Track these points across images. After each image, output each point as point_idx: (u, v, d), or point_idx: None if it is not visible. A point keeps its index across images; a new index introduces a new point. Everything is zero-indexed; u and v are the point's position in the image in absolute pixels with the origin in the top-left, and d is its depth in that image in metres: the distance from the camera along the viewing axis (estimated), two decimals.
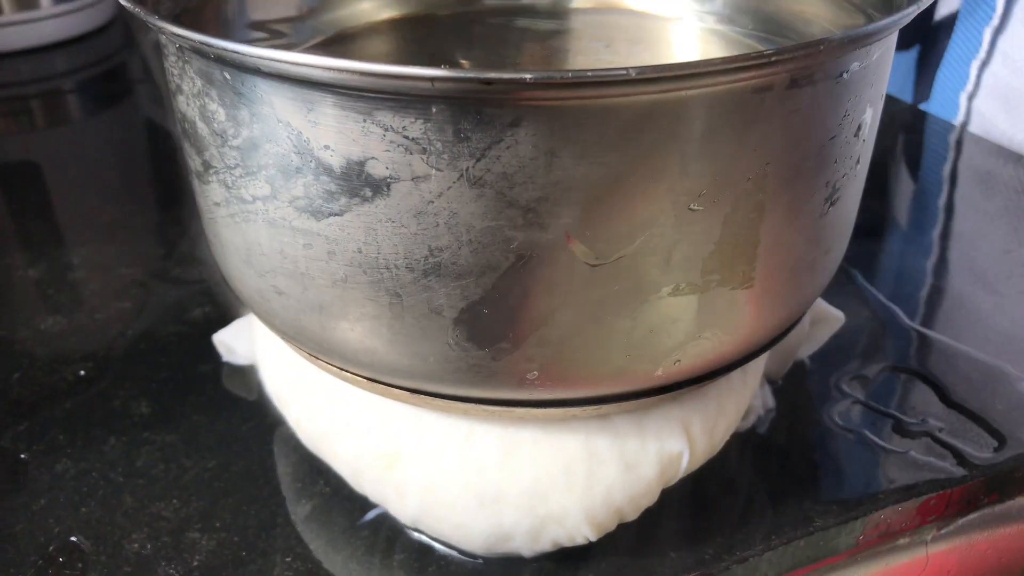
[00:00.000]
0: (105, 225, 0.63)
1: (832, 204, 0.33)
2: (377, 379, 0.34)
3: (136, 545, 0.39)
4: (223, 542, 0.39)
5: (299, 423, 0.40)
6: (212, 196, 0.34)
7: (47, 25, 0.91)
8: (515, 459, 0.35)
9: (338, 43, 0.44)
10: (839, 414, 0.45)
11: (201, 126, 0.32)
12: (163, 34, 0.30)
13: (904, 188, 0.71)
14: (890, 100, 0.80)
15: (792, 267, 0.33)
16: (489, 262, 0.29)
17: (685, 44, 0.46)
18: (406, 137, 0.27)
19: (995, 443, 0.43)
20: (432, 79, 0.25)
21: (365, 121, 0.27)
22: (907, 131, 0.80)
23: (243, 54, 0.27)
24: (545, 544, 0.36)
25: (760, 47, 0.43)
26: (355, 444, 0.38)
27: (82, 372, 0.49)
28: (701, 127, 0.28)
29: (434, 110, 0.26)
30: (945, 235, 0.61)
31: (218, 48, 0.27)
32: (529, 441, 0.35)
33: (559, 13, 0.47)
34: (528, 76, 0.25)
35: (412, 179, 0.28)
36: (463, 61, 0.45)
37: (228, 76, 0.29)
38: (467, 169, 0.27)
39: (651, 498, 0.37)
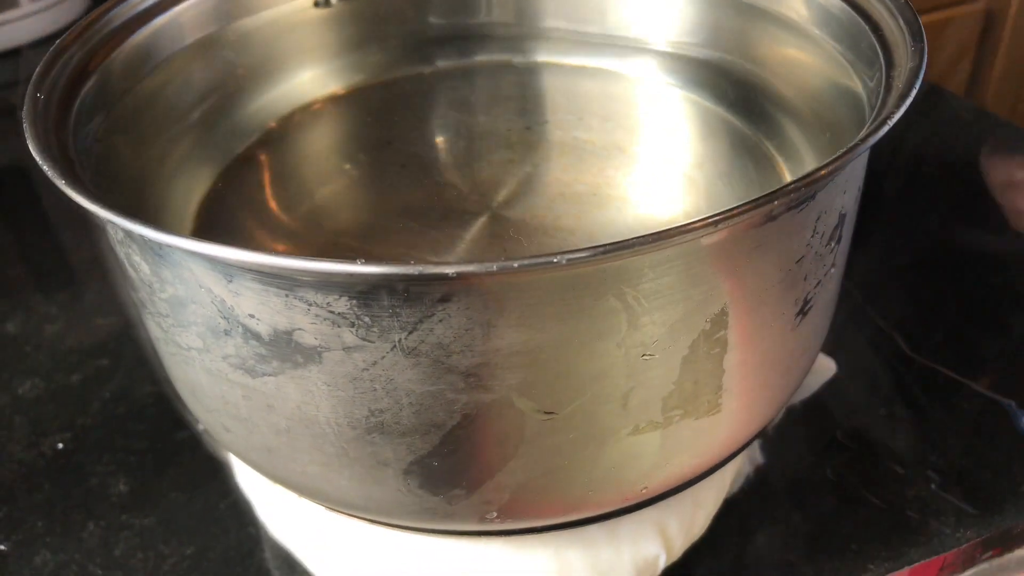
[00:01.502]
0: (82, 264, 0.61)
1: (805, 315, 0.31)
2: (332, 509, 0.33)
3: None
4: None
5: (270, 522, 0.40)
6: (152, 331, 0.32)
7: (23, 25, 0.88)
8: (482, 572, 0.34)
9: (279, 138, 0.41)
10: (830, 469, 0.44)
11: (130, 271, 0.30)
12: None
13: None
14: None
15: (764, 382, 0.31)
16: (433, 421, 0.27)
17: (656, 117, 0.42)
18: (332, 312, 0.25)
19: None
20: (349, 274, 0.23)
21: (288, 296, 0.25)
22: None
23: (134, 233, 0.25)
24: None
25: (733, 119, 0.40)
26: (323, 548, 0.37)
27: (60, 445, 0.48)
28: (647, 286, 0.25)
29: (357, 289, 0.25)
30: None
31: (119, 225, 0.25)
32: (497, 555, 0.34)
33: (525, 71, 0.43)
34: (450, 271, 0.23)
35: (343, 349, 0.26)
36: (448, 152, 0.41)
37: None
38: (400, 340, 0.26)
39: None
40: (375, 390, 0.27)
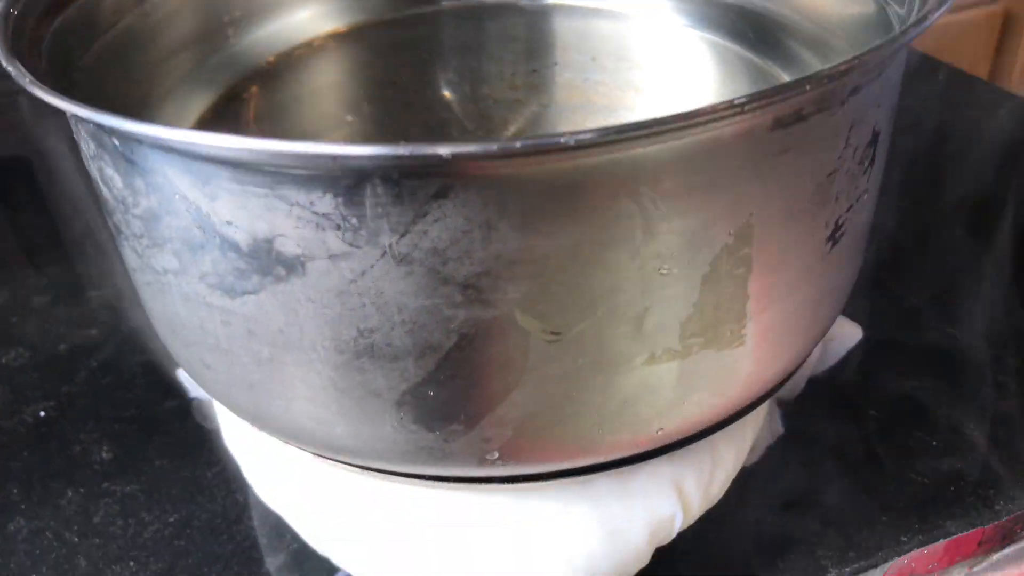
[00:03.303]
0: (76, 240, 0.59)
1: (836, 243, 0.28)
2: (322, 455, 0.30)
3: None
4: None
5: (256, 482, 0.37)
6: (128, 260, 0.30)
7: None
8: (484, 529, 0.32)
9: (275, 75, 0.39)
10: (856, 441, 0.41)
11: (104, 189, 0.28)
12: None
13: None
14: None
15: (791, 316, 0.29)
16: (428, 343, 0.25)
17: (674, 58, 0.40)
18: (316, 213, 0.23)
19: None
20: (333, 157, 0.21)
21: (267, 196, 0.23)
22: None
23: (103, 126, 0.23)
24: None
25: (754, 58, 0.38)
26: (309, 507, 0.34)
27: (42, 413, 0.46)
28: (665, 185, 0.23)
29: (343, 184, 0.22)
30: None
31: (86, 118, 0.23)
32: (499, 510, 0.32)
33: (533, 13, 0.41)
34: (445, 152, 0.20)
35: (328, 257, 0.24)
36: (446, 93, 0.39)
37: (117, 143, 0.25)
38: (390, 246, 0.23)
39: (641, 562, 0.33)
40: (364, 306, 0.24)
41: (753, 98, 0.21)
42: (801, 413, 0.42)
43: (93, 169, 0.28)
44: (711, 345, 0.27)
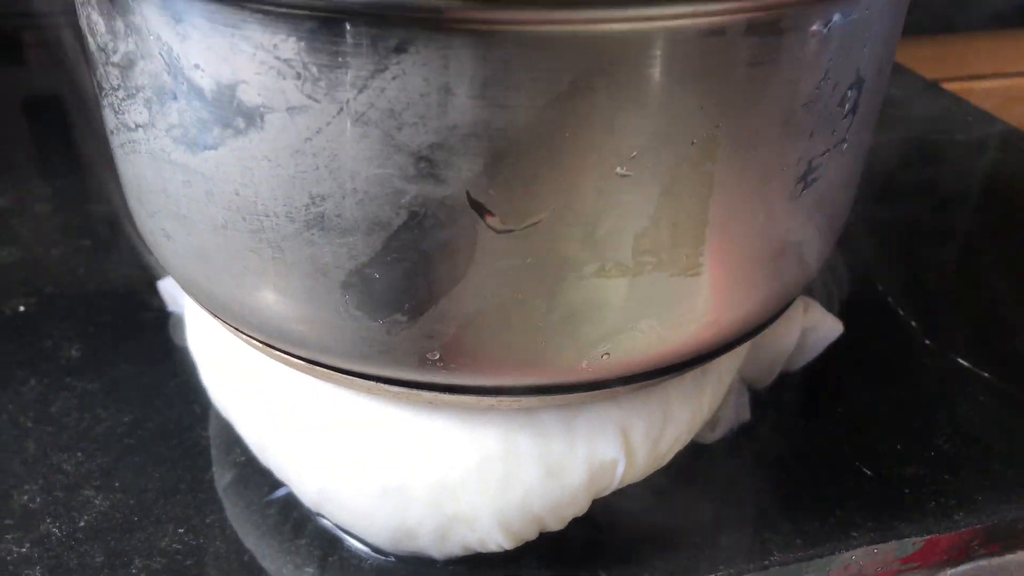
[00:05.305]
0: (88, 155, 0.60)
1: (808, 186, 0.28)
2: (269, 344, 0.30)
3: (26, 497, 0.36)
4: (117, 503, 0.36)
5: (210, 383, 0.37)
6: (107, 123, 0.30)
7: None
8: (424, 448, 0.31)
9: None
10: (821, 436, 0.40)
11: (89, 40, 0.28)
12: None
13: None
14: None
15: (754, 255, 0.28)
16: (377, 217, 0.25)
17: None
18: (277, 58, 0.23)
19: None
20: None
21: (233, 36, 0.23)
22: None
23: None
24: (454, 547, 0.32)
25: None
26: (257, 411, 0.34)
27: (22, 308, 0.46)
28: (632, 72, 0.23)
29: (307, 26, 0.22)
30: None
31: None
32: (441, 429, 0.31)
33: None
34: None
35: (287, 110, 0.24)
36: None
37: None
38: (347, 102, 0.23)
39: (578, 508, 0.32)
40: (317, 168, 0.24)
41: None
42: (771, 402, 0.41)
43: (82, 18, 0.28)
44: (665, 267, 0.26)
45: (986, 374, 0.43)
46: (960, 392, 0.42)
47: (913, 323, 0.47)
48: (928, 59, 0.85)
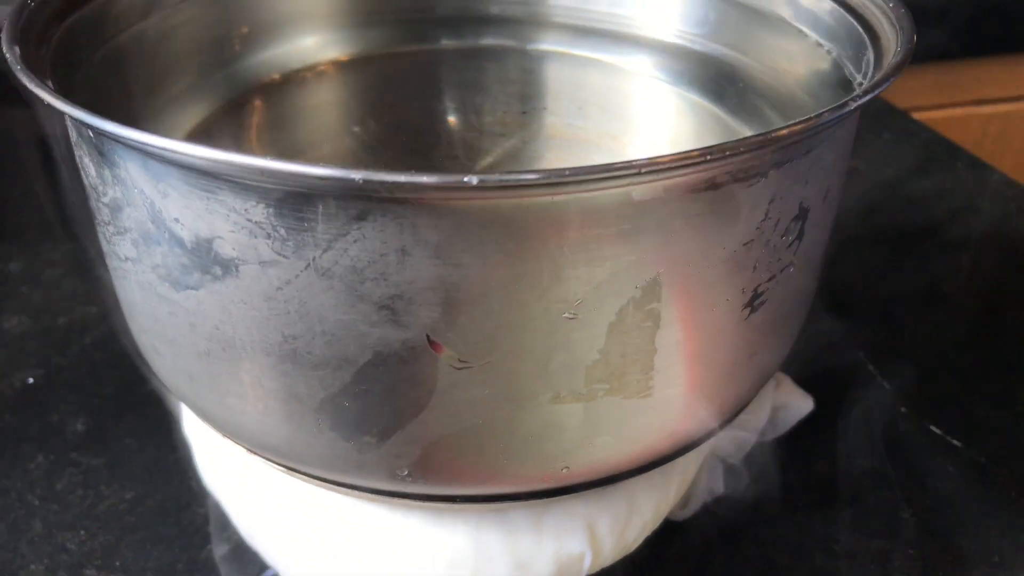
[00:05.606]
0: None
1: (755, 309, 0.29)
2: (252, 450, 0.32)
3: None
4: None
5: (204, 469, 0.39)
6: (101, 244, 0.32)
7: None
8: (398, 544, 0.33)
9: (279, 90, 0.41)
10: (789, 511, 0.42)
11: (82, 174, 0.30)
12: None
13: None
14: None
15: (704, 375, 0.30)
16: (345, 355, 0.27)
17: (655, 112, 0.41)
18: (249, 220, 0.25)
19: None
20: (261, 170, 0.23)
21: (209, 199, 0.25)
22: None
23: (71, 116, 0.25)
24: None
25: (727, 118, 0.39)
26: (246, 501, 0.36)
27: (31, 380, 0.48)
28: (573, 233, 0.24)
29: (275, 195, 0.24)
30: None
31: (58, 108, 0.25)
32: (415, 526, 0.33)
33: (528, 58, 0.43)
34: (357, 176, 0.22)
35: (259, 263, 0.26)
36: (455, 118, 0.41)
37: (91, 135, 0.27)
38: (314, 259, 0.25)
39: None
40: (288, 312, 0.26)
41: (653, 161, 0.23)
42: (744, 475, 0.42)
43: (76, 155, 0.30)
44: (617, 392, 0.28)
45: (962, 446, 0.45)
46: (938, 468, 0.44)
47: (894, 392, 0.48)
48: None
